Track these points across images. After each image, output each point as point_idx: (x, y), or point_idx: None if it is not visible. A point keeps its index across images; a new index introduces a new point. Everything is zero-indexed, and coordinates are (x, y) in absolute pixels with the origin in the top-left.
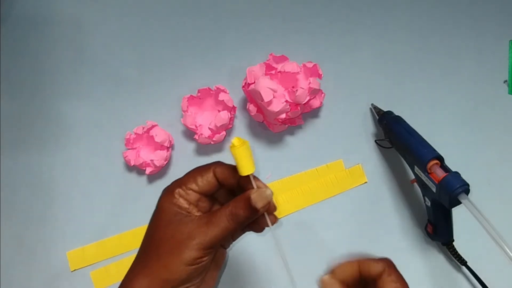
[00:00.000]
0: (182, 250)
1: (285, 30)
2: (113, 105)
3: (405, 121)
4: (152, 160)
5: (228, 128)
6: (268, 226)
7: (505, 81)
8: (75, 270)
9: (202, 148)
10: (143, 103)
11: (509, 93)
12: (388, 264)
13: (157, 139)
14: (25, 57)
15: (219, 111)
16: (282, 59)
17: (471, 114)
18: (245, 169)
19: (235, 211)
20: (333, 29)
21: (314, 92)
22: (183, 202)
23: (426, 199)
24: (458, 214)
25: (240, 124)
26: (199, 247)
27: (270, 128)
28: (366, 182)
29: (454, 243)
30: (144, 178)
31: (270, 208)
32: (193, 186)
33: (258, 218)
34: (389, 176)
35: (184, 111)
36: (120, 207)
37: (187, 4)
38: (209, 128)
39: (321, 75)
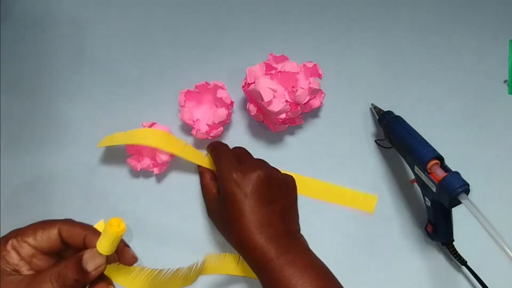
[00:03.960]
0: None
1: (285, 30)
2: (113, 105)
3: (405, 121)
4: (152, 160)
5: (225, 124)
6: None
7: (505, 81)
8: None
9: (200, 143)
10: (143, 103)
11: (509, 93)
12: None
13: None
14: (25, 57)
15: (217, 106)
16: (282, 59)
17: (471, 114)
18: (106, 249)
19: (63, 271)
20: (333, 29)
21: (314, 92)
22: (13, 257)
23: (426, 199)
24: (458, 214)
25: (239, 124)
26: None
27: (270, 128)
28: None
29: (454, 243)
30: (144, 178)
31: (126, 259)
32: (30, 240)
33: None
34: (389, 176)
35: (181, 106)
36: (120, 207)
37: (187, 4)
38: (206, 124)
39: (321, 75)
